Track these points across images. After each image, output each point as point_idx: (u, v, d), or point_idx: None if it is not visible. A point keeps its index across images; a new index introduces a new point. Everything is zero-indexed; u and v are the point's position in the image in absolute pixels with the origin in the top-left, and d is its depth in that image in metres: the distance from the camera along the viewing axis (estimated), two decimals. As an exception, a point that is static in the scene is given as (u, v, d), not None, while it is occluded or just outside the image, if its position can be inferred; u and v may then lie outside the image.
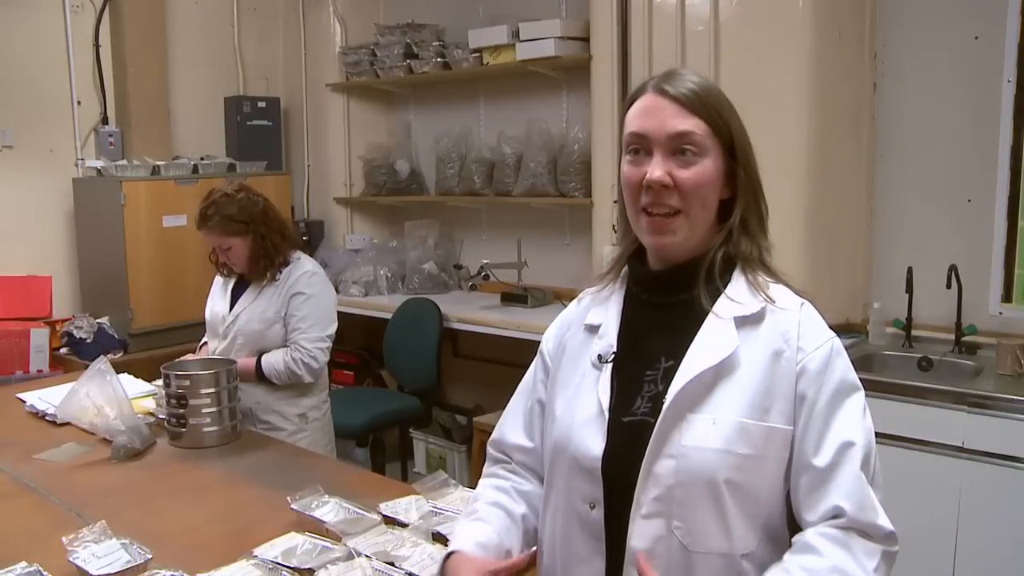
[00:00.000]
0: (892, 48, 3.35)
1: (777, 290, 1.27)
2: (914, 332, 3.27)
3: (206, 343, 3.05)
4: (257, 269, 2.87)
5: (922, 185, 3.33)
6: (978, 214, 3.20)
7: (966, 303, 3.15)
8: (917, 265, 3.22)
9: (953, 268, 3.09)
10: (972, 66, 3.16)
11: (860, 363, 3.11)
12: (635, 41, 3.55)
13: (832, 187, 3.31)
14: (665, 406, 1.20)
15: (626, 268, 1.36)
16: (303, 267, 2.93)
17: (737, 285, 1.26)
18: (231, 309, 2.92)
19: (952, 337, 3.18)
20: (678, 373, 1.22)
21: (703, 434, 1.19)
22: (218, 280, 3.04)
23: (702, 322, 1.24)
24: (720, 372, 1.21)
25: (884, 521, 1.18)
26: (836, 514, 1.17)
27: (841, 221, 3.38)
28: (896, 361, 3.21)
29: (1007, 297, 3.16)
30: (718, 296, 1.25)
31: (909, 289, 3.21)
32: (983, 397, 2.69)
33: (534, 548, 1.30)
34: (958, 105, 3.21)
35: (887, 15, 3.35)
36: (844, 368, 1.24)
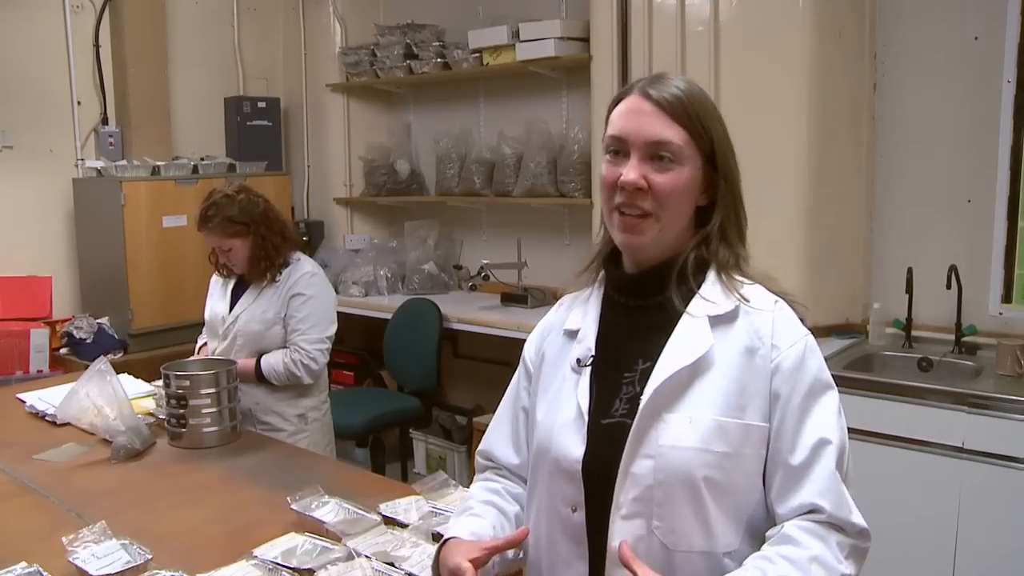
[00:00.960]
0: (892, 48, 3.35)
1: (751, 290, 1.27)
2: (914, 332, 3.27)
3: (205, 343, 3.04)
4: (257, 270, 2.87)
5: (922, 185, 3.34)
6: (978, 214, 3.20)
7: (966, 303, 3.15)
8: (917, 265, 3.22)
9: (953, 268, 3.09)
10: (972, 66, 3.16)
11: (860, 363, 3.11)
12: (635, 41, 3.55)
13: (832, 187, 3.31)
14: (641, 406, 1.21)
15: (603, 272, 1.37)
16: (303, 268, 2.93)
17: (711, 285, 1.27)
18: (231, 310, 2.92)
19: (952, 337, 3.18)
20: (654, 373, 1.23)
21: (680, 433, 1.19)
22: (216, 280, 3.04)
23: (677, 323, 1.25)
24: (695, 371, 1.22)
25: (858, 518, 1.20)
26: (812, 510, 1.18)
27: (841, 221, 3.38)
28: (896, 361, 3.21)
29: (1007, 297, 3.16)
30: (692, 297, 1.26)
31: (909, 289, 3.21)
32: (983, 397, 2.69)
33: (525, 527, 1.30)
34: (958, 105, 3.21)
35: (887, 15, 3.35)
36: (818, 366, 1.25)
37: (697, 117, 1.24)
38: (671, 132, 1.22)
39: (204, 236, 2.85)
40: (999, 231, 3.14)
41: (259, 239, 2.83)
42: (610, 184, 1.25)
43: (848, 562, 1.18)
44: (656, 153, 1.22)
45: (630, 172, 1.22)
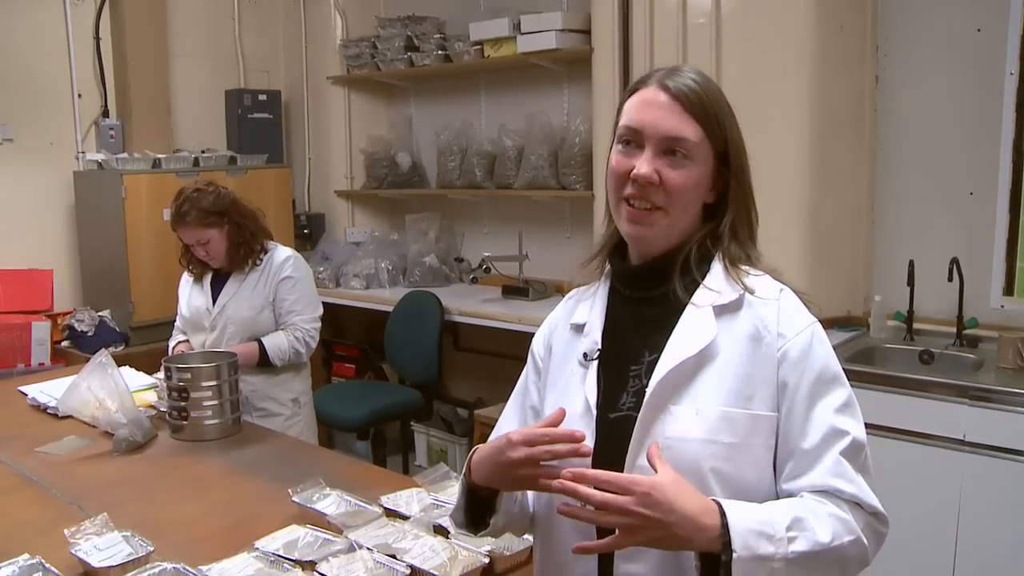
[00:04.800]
0: (894, 41, 3.34)
1: (756, 280, 1.26)
2: (915, 325, 3.27)
3: (184, 341, 3.05)
4: (238, 258, 2.93)
5: (924, 178, 3.33)
6: (980, 207, 3.19)
7: (967, 296, 3.15)
8: (918, 258, 3.22)
9: (954, 261, 3.09)
10: (974, 59, 3.15)
11: (861, 356, 3.11)
12: (636, 34, 3.54)
13: (833, 180, 3.31)
14: (646, 398, 1.20)
15: (609, 265, 1.35)
16: (283, 252, 3.02)
17: (715, 275, 1.26)
18: (215, 302, 2.96)
19: (953, 330, 3.18)
20: (658, 365, 1.22)
21: (686, 425, 1.18)
22: (186, 280, 3.08)
23: (681, 314, 1.24)
24: (701, 361, 1.21)
25: (874, 500, 1.19)
26: (825, 491, 1.17)
27: (842, 214, 3.38)
28: (897, 354, 3.20)
29: (1008, 290, 3.16)
30: (696, 288, 1.25)
31: (911, 282, 3.21)
32: (984, 390, 2.69)
33: (561, 409, 1.24)
34: (960, 98, 3.21)
35: (889, 7, 3.34)
36: (826, 354, 1.23)
37: (714, 115, 1.22)
38: (688, 129, 1.21)
39: (180, 234, 2.89)
40: (1001, 224, 3.13)
41: (235, 227, 2.90)
42: (621, 175, 1.23)
43: (865, 535, 1.16)
44: (670, 148, 1.21)
45: (643, 165, 1.20)
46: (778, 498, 1.21)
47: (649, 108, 1.22)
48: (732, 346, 1.21)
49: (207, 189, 2.87)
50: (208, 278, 3.01)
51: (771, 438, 1.20)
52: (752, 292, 1.24)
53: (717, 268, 1.26)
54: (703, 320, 1.22)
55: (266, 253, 2.99)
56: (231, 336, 2.92)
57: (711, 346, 1.21)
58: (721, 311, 1.23)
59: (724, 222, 1.26)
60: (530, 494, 1.37)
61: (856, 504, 1.17)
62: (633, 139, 1.23)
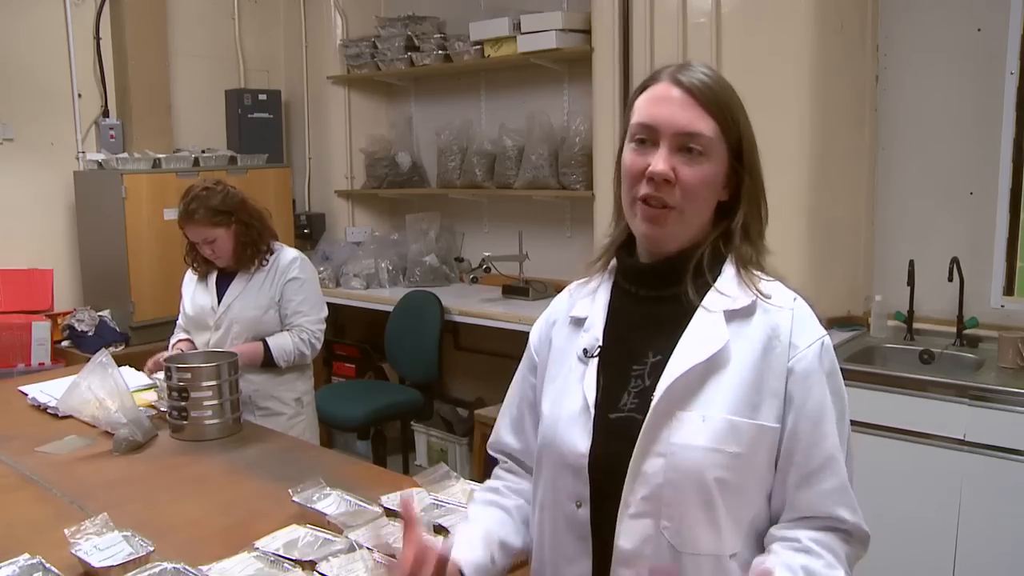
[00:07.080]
0: (894, 40, 3.34)
1: (769, 286, 1.24)
2: (916, 325, 3.27)
3: (185, 340, 3.05)
4: (244, 257, 2.92)
5: (924, 177, 3.33)
6: (980, 207, 3.19)
7: (968, 296, 3.15)
8: (919, 258, 3.22)
9: (955, 261, 3.09)
10: (975, 58, 3.15)
11: (862, 356, 3.11)
12: (637, 33, 3.54)
13: (834, 180, 3.31)
14: (654, 402, 1.18)
15: (614, 261, 1.33)
16: (290, 253, 3.02)
17: (727, 279, 1.24)
18: (219, 301, 2.95)
19: (954, 330, 3.17)
20: (667, 369, 1.19)
21: (692, 432, 1.16)
22: (191, 278, 3.08)
23: (691, 316, 1.22)
24: (710, 368, 1.18)
25: (866, 525, 1.21)
26: (829, 517, 1.18)
27: (843, 214, 3.38)
28: (898, 354, 3.20)
29: (1009, 290, 3.16)
30: (707, 291, 1.23)
31: (911, 282, 3.21)
32: (984, 390, 2.69)
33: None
34: (961, 97, 3.21)
35: (889, 6, 3.34)
36: (833, 368, 1.22)
37: (727, 108, 1.20)
38: (703, 124, 1.18)
39: (188, 232, 2.90)
40: (1001, 223, 3.13)
41: (243, 226, 2.89)
42: (636, 173, 1.21)
43: (848, 568, 1.19)
44: (686, 145, 1.18)
45: (659, 163, 1.18)
46: (770, 511, 1.21)
47: (662, 103, 1.20)
48: (743, 353, 1.19)
49: (216, 188, 2.87)
50: (213, 277, 3.00)
51: (773, 450, 1.19)
52: (767, 298, 1.22)
53: (729, 271, 1.24)
54: (714, 325, 1.20)
55: (272, 253, 2.98)
56: (236, 336, 2.92)
57: (721, 352, 1.18)
58: (732, 316, 1.21)
59: (736, 220, 1.25)
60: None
61: (848, 534, 1.20)
62: (647, 136, 1.21)
